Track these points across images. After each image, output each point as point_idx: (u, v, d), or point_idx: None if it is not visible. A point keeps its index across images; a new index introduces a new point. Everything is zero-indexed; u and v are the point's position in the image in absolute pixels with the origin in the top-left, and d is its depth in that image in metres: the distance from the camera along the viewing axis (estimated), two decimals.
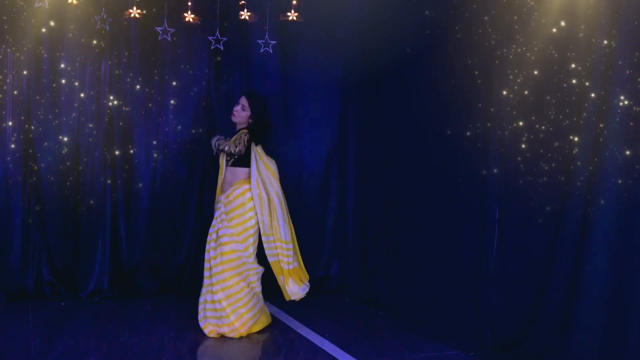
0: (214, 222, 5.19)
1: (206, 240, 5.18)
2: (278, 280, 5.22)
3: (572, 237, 4.18)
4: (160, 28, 5.69)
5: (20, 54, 5.68)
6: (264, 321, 5.24)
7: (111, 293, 5.94)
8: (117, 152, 6.01)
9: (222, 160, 5.28)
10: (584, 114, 4.11)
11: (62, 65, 5.83)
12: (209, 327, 5.02)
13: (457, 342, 4.89)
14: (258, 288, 5.18)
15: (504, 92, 4.66)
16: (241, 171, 5.16)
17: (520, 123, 4.57)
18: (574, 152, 4.17)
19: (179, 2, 5.86)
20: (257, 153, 5.17)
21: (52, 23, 5.74)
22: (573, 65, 4.21)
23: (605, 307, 3.99)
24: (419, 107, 5.51)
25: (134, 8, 5.58)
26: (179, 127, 6.21)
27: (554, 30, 4.32)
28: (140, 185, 6.11)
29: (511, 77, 4.62)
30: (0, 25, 5.60)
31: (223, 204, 5.13)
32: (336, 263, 6.75)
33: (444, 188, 5.21)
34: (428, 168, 5.39)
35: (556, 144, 4.33)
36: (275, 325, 5.39)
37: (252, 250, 5.11)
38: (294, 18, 5.80)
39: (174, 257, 6.27)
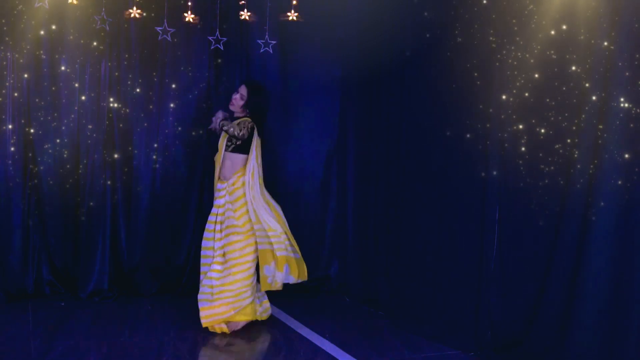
0: (215, 210, 5.19)
1: (207, 229, 5.21)
2: (261, 271, 5.17)
3: (572, 237, 4.18)
4: (160, 28, 5.69)
5: (20, 56, 5.67)
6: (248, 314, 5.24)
7: (111, 293, 5.94)
8: (117, 153, 6.00)
9: (222, 144, 5.27)
10: (584, 116, 4.12)
11: (62, 67, 5.82)
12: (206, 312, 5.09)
13: (457, 342, 4.89)
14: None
15: (504, 94, 4.66)
16: (241, 158, 5.18)
17: (520, 126, 4.57)
18: (574, 153, 4.17)
19: (179, 2, 5.87)
20: (257, 144, 5.19)
21: (52, 25, 5.73)
22: (573, 68, 4.21)
23: (605, 307, 4.00)
24: (419, 107, 5.51)
25: (134, 8, 5.58)
26: (179, 128, 6.21)
27: (554, 32, 4.32)
28: (140, 185, 6.11)
29: (510, 79, 4.62)
30: None
31: (228, 192, 5.16)
32: (336, 263, 6.75)
33: (444, 188, 5.22)
34: (428, 168, 5.39)
35: (556, 145, 4.33)
36: (275, 325, 5.39)
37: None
38: (294, 18, 5.80)
39: (174, 257, 6.27)
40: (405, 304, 5.60)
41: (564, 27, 4.26)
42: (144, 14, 5.81)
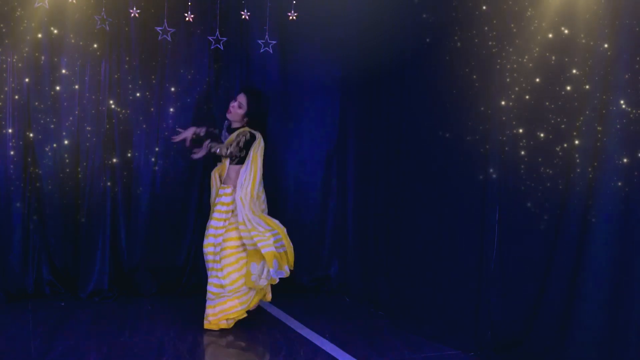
0: (217, 214, 5.18)
1: (214, 226, 5.18)
2: (247, 267, 5.15)
3: (572, 237, 4.18)
4: (161, 28, 5.69)
5: (20, 58, 5.67)
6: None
7: (111, 293, 5.94)
8: (117, 154, 6.00)
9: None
10: (582, 118, 4.12)
11: (62, 69, 5.81)
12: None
13: (457, 342, 4.89)
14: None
15: (504, 96, 4.66)
16: (238, 169, 5.18)
17: (520, 129, 4.56)
18: (574, 156, 4.17)
19: (179, 2, 5.87)
20: (258, 153, 5.14)
21: (51, 27, 5.73)
22: (573, 71, 4.21)
23: (605, 308, 4.00)
24: (419, 107, 5.51)
25: (134, 8, 5.58)
26: (179, 125, 6.17)
27: (554, 35, 4.32)
28: (140, 186, 6.11)
29: (510, 81, 4.62)
30: None
31: (227, 200, 5.15)
32: (336, 263, 6.75)
33: (444, 188, 5.22)
34: (428, 168, 5.39)
35: (556, 147, 4.32)
36: (275, 325, 5.39)
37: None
38: (294, 18, 5.80)
39: (174, 257, 6.27)
40: (405, 304, 5.60)
41: (564, 29, 4.26)
42: (144, 12, 5.81)
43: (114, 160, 5.99)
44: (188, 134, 5.26)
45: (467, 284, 4.95)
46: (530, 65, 4.48)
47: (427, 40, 5.38)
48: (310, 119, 6.66)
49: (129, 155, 6.06)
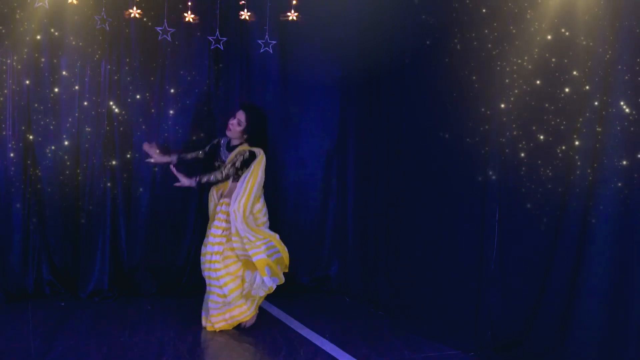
0: (218, 222, 5.18)
1: (213, 234, 5.17)
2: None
3: (572, 238, 4.18)
4: (161, 28, 5.69)
5: (20, 59, 5.67)
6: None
7: (111, 293, 5.94)
8: (117, 155, 6.00)
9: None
10: (581, 119, 4.12)
11: (62, 71, 5.81)
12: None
13: (457, 342, 4.89)
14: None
15: (503, 97, 4.66)
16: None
17: (520, 130, 4.56)
18: (574, 157, 4.17)
19: (179, 2, 5.86)
20: (257, 169, 5.12)
21: (51, 29, 5.73)
22: (573, 72, 4.21)
23: (605, 308, 4.00)
24: (419, 108, 5.51)
25: (134, 8, 5.58)
26: (180, 131, 6.21)
27: (554, 37, 4.31)
28: (140, 186, 6.11)
29: (507, 81, 4.62)
30: None
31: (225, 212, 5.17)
32: (336, 263, 6.75)
33: (444, 188, 5.21)
34: (428, 168, 5.39)
35: (556, 148, 4.32)
36: (275, 325, 5.39)
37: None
38: (294, 18, 5.80)
39: (174, 257, 6.27)
40: (405, 304, 5.60)
41: (563, 31, 4.25)
42: (144, 17, 5.81)
43: (114, 161, 5.99)
44: (161, 159, 5.31)
45: (467, 284, 4.95)
46: (530, 66, 4.47)
47: (427, 40, 5.38)
48: (310, 119, 6.66)
49: (129, 156, 6.06)
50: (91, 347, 4.67)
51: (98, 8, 5.70)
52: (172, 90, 6.14)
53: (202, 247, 5.26)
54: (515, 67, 4.57)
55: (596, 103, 4.03)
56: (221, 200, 5.21)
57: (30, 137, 5.77)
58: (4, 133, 5.69)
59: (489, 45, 4.76)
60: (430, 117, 5.36)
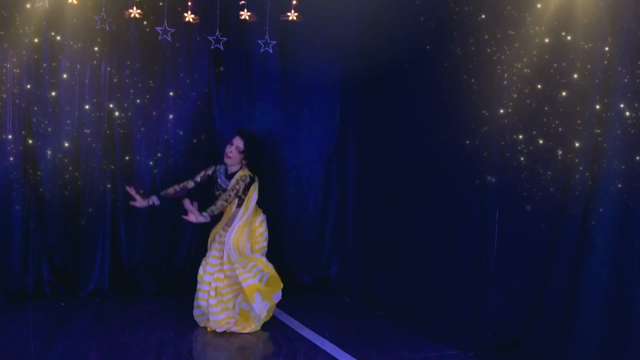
0: (217, 253, 5.23)
1: (209, 263, 5.20)
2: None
3: (572, 238, 4.18)
4: (161, 28, 5.69)
5: (20, 63, 5.68)
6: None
7: (111, 293, 5.94)
8: (117, 157, 6.01)
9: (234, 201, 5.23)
10: (583, 122, 4.11)
11: (61, 73, 5.81)
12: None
13: (457, 342, 4.89)
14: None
15: (503, 99, 4.66)
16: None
17: (520, 132, 4.56)
18: (574, 159, 4.17)
19: (179, 2, 5.86)
20: (246, 201, 5.17)
21: (52, 32, 5.74)
22: (573, 75, 4.20)
23: (605, 308, 4.00)
24: (419, 107, 5.51)
25: (134, 8, 5.58)
26: (180, 132, 6.20)
27: (554, 40, 4.31)
28: (140, 186, 6.09)
29: (506, 83, 4.62)
30: None
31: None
32: (336, 263, 6.75)
33: (444, 188, 5.21)
34: (428, 168, 5.39)
35: (556, 150, 4.32)
36: (275, 325, 5.39)
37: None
38: (294, 18, 5.79)
39: (174, 257, 6.27)
40: (405, 304, 5.60)
41: (563, 34, 4.25)
42: (144, 18, 5.81)
43: (114, 163, 5.99)
44: (143, 203, 5.23)
45: (467, 284, 4.94)
46: (530, 70, 4.47)
47: (427, 41, 5.38)
48: (310, 119, 6.66)
49: (129, 157, 6.06)
50: (91, 347, 4.68)
51: (98, 9, 5.69)
52: (172, 92, 6.14)
53: (201, 267, 5.24)
54: (514, 71, 4.57)
55: (597, 106, 4.03)
56: (223, 229, 5.24)
57: (30, 139, 5.78)
58: (4, 136, 5.69)
59: (488, 50, 4.76)
60: (431, 117, 5.36)
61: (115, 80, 5.96)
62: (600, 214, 3.99)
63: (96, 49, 5.87)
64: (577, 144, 4.16)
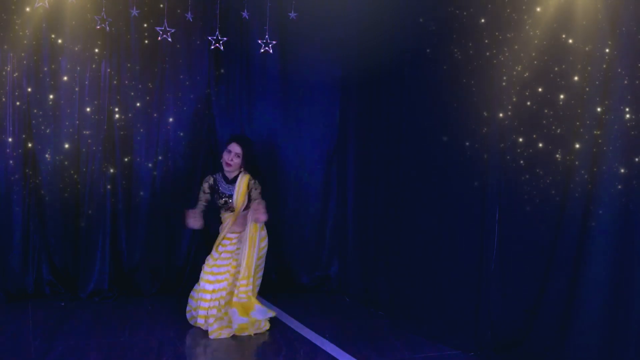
0: (227, 254, 5.24)
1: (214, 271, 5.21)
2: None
3: (572, 238, 4.18)
4: (161, 28, 5.69)
5: (20, 65, 5.67)
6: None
7: (111, 293, 5.94)
8: (117, 158, 6.01)
9: (241, 203, 5.24)
10: (583, 124, 4.11)
11: (61, 75, 5.80)
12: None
13: (457, 342, 4.89)
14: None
15: (503, 101, 4.66)
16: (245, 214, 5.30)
17: (520, 134, 4.56)
18: (574, 161, 4.17)
19: (179, 2, 5.86)
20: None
21: (52, 35, 5.73)
22: (573, 78, 4.20)
23: (605, 308, 4.00)
24: (419, 107, 5.51)
25: (134, 8, 5.58)
26: (179, 130, 6.20)
27: (554, 43, 4.31)
28: (140, 186, 6.11)
29: (506, 86, 4.61)
30: None
31: (240, 240, 5.25)
32: (336, 263, 6.75)
33: (444, 188, 5.21)
34: (428, 168, 5.39)
35: (556, 152, 4.32)
36: (275, 325, 5.39)
37: None
38: (294, 18, 5.80)
39: (174, 257, 6.27)
40: (405, 304, 5.60)
41: (563, 36, 4.25)
42: (144, 19, 5.81)
43: (114, 164, 5.99)
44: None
45: (467, 284, 4.94)
46: (530, 73, 4.47)
47: (428, 39, 5.38)
48: (310, 119, 6.66)
49: (129, 158, 6.06)
50: (91, 347, 4.68)
51: (97, 11, 5.70)
52: (172, 93, 6.14)
53: (207, 276, 5.21)
54: (514, 74, 4.57)
55: (596, 108, 4.03)
56: (232, 235, 5.25)
57: (30, 143, 5.77)
58: (4, 138, 5.69)
59: (488, 54, 4.76)
60: (431, 117, 5.36)
61: (115, 82, 5.96)
62: (600, 215, 3.99)
63: (96, 50, 5.86)
64: (577, 146, 4.16)
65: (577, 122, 4.17)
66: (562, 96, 4.28)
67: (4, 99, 5.66)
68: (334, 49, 6.62)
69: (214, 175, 5.37)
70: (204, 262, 5.28)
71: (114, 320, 5.32)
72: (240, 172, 5.27)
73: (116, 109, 5.98)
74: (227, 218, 5.27)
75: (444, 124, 5.20)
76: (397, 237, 5.78)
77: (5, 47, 5.62)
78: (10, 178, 5.73)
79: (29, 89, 5.73)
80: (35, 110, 5.76)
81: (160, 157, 6.14)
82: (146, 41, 6.00)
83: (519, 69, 4.53)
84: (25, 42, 5.66)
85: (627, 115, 3.88)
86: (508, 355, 4.56)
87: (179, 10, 5.88)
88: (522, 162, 4.55)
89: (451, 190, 5.14)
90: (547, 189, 4.39)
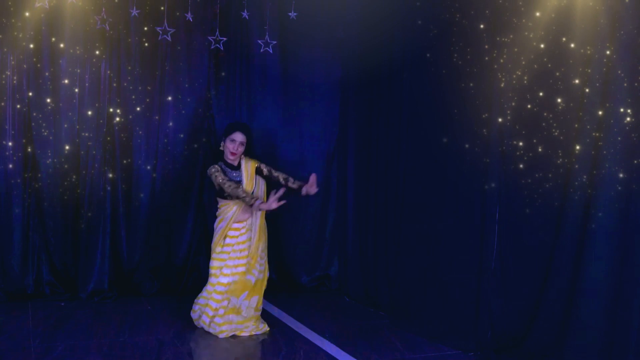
0: (239, 246, 5.20)
1: (242, 254, 5.17)
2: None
3: (572, 240, 4.18)
4: (161, 28, 5.69)
5: (19, 68, 5.67)
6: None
7: (111, 293, 5.94)
8: (117, 159, 6.01)
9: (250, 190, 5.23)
10: (583, 127, 4.11)
11: (61, 78, 5.80)
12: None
13: (457, 342, 4.89)
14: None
15: (503, 103, 4.66)
16: None
17: (521, 136, 4.56)
18: (575, 163, 4.17)
19: (179, 2, 5.86)
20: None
21: (52, 39, 5.73)
22: (573, 80, 4.20)
23: (605, 308, 4.00)
24: (419, 108, 5.51)
25: (134, 8, 5.58)
26: (179, 132, 6.20)
27: (554, 45, 4.30)
28: (140, 186, 6.11)
29: (505, 87, 4.61)
30: None
31: (247, 229, 5.21)
32: (336, 263, 6.76)
33: (444, 189, 5.21)
34: (428, 168, 5.39)
35: (556, 154, 4.32)
36: (275, 325, 5.39)
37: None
38: (294, 18, 5.80)
39: (174, 257, 6.27)
40: (405, 304, 5.60)
41: (563, 39, 4.25)
42: (144, 20, 5.81)
43: (114, 166, 5.99)
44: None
45: (467, 284, 4.94)
46: (530, 76, 4.46)
47: (427, 39, 5.38)
48: (310, 119, 6.66)
49: (129, 161, 6.06)
50: (91, 347, 4.68)
51: (97, 13, 5.69)
52: (172, 95, 6.14)
53: (223, 270, 5.16)
54: (514, 77, 4.57)
55: (596, 111, 4.03)
56: (237, 224, 5.20)
57: (30, 147, 5.77)
58: (4, 142, 5.69)
59: (487, 58, 4.76)
60: (431, 118, 5.36)
61: (115, 84, 5.95)
62: (599, 217, 3.99)
63: (96, 52, 5.86)
64: (577, 149, 4.16)
65: (576, 125, 4.17)
66: (562, 99, 4.28)
67: (3, 103, 5.66)
68: (334, 49, 6.62)
69: (219, 164, 5.26)
70: (209, 260, 5.18)
71: (114, 320, 5.32)
72: (241, 158, 5.27)
73: (117, 111, 5.98)
74: (233, 206, 5.20)
75: (444, 124, 5.20)
76: (397, 237, 5.78)
77: (5, 50, 5.62)
78: (11, 181, 5.74)
79: (30, 93, 5.73)
80: (35, 114, 5.76)
81: (159, 159, 6.14)
82: (146, 43, 5.99)
83: (519, 72, 4.53)
84: (25, 45, 5.67)
85: (627, 118, 3.88)
86: (508, 356, 4.56)
87: (178, 13, 5.88)
88: (521, 165, 4.55)
89: (451, 191, 5.14)
90: (547, 192, 4.39)
